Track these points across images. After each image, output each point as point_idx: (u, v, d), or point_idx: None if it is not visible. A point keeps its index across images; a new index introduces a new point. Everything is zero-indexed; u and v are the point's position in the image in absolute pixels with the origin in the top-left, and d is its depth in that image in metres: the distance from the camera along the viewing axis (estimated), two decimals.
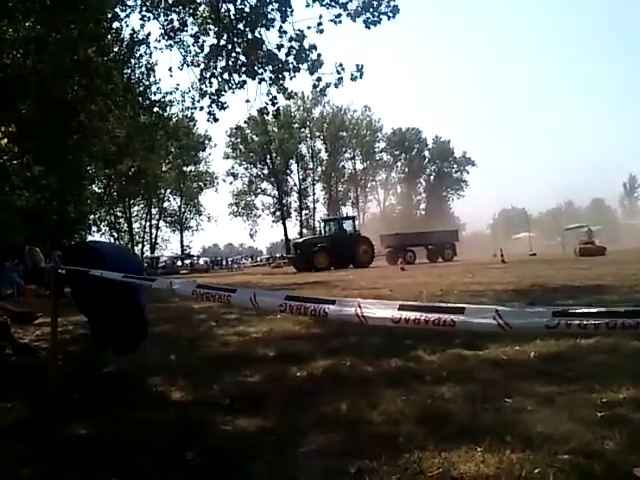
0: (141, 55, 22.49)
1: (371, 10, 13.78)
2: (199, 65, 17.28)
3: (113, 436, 3.69)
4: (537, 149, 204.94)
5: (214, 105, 16.94)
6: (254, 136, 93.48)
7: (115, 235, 77.69)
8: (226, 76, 16.40)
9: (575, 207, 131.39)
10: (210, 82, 16.85)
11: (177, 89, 21.56)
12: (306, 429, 3.66)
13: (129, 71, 22.77)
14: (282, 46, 14.98)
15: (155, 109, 23.26)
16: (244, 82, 16.27)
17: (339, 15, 14.04)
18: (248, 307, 2.82)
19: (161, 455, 3.34)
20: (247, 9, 15.06)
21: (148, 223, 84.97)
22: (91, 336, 5.88)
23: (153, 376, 5.46)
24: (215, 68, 16.68)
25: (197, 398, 4.67)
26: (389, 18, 13.84)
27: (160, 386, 5.13)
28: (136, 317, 5.48)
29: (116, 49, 21.22)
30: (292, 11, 14.54)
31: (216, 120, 17.30)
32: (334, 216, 63.07)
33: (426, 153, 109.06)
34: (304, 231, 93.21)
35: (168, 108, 23.84)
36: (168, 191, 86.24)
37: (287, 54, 14.94)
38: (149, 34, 19.67)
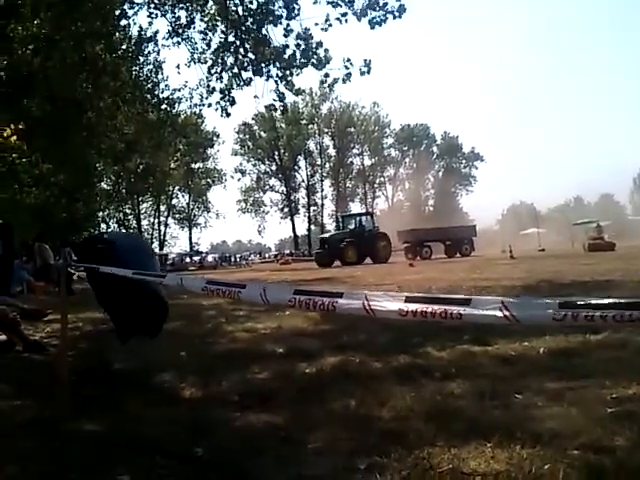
0: (149, 52, 22.51)
1: (377, 9, 13.74)
2: (206, 62, 17.32)
3: (123, 433, 3.71)
4: (546, 144, 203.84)
5: (224, 100, 16.96)
6: (262, 132, 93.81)
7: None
8: (235, 70, 16.42)
9: (584, 203, 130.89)
10: (220, 77, 16.88)
11: (185, 86, 21.54)
12: (315, 425, 3.66)
13: (137, 68, 22.79)
14: (288, 46, 15.01)
15: (163, 106, 23.27)
16: (251, 79, 16.31)
17: (345, 14, 14.02)
18: (258, 303, 2.82)
19: (171, 451, 3.36)
20: (254, 6, 15.07)
21: (157, 220, 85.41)
22: (115, 329, 5.95)
23: (163, 373, 5.49)
24: (224, 64, 16.71)
25: (206, 395, 4.69)
26: (395, 17, 13.79)
27: (170, 383, 5.15)
28: (154, 298, 5.52)
29: (124, 46, 21.25)
30: (299, 9, 14.56)
31: (228, 115, 17.30)
32: (354, 212, 63.74)
33: (434, 149, 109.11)
34: (312, 227, 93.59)
35: (176, 105, 23.78)
36: (177, 188, 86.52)
37: (294, 52, 14.94)
38: (157, 32, 19.74)
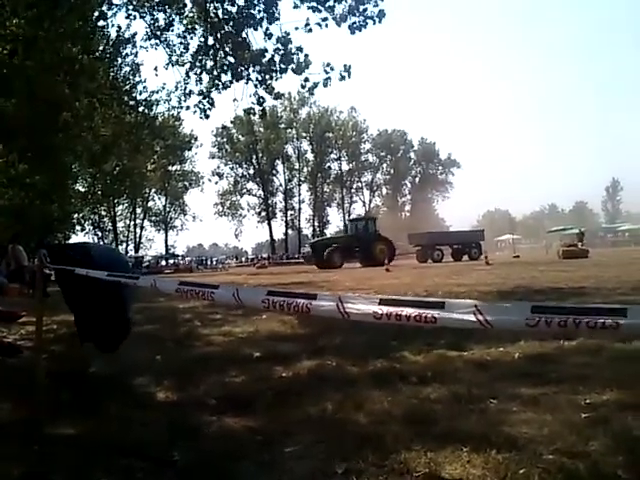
0: (127, 54, 22.36)
1: (357, 14, 13.75)
2: (184, 65, 17.22)
3: (100, 436, 3.68)
4: (522, 151, 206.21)
5: (205, 101, 16.86)
6: (240, 136, 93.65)
7: (99, 234, 77.43)
8: (215, 73, 16.34)
9: (558, 210, 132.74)
10: (200, 79, 16.80)
11: (163, 88, 21.42)
12: (292, 429, 3.66)
13: (115, 70, 22.63)
14: (267, 50, 14.96)
15: (141, 108, 23.11)
16: (230, 82, 16.22)
17: (325, 19, 14.01)
18: (231, 303, 2.82)
19: (148, 455, 3.34)
20: (234, 9, 15.02)
21: (132, 222, 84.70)
22: (77, 331, 5.89)
23: (139, 376, 5.46)
24: (203, 67, 16.63)
25: (183, 399, 4.67)
26: (374, 22, 13.81)
27: (146, 386, 5.13)
28: (120, 315, 5.48)
29: (102, 48, 21.08)
30: (279, 13, 14.53)
31: (207, 116, 17.18)
32: (359, 217, 67.00)
33: (412, 155, 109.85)
34: (289, 231, 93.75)
35: (154, 107, 23.63)
36: (153, 190, 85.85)
37: (273, 56, 14.90)
38: (135, 33, 19.63)
